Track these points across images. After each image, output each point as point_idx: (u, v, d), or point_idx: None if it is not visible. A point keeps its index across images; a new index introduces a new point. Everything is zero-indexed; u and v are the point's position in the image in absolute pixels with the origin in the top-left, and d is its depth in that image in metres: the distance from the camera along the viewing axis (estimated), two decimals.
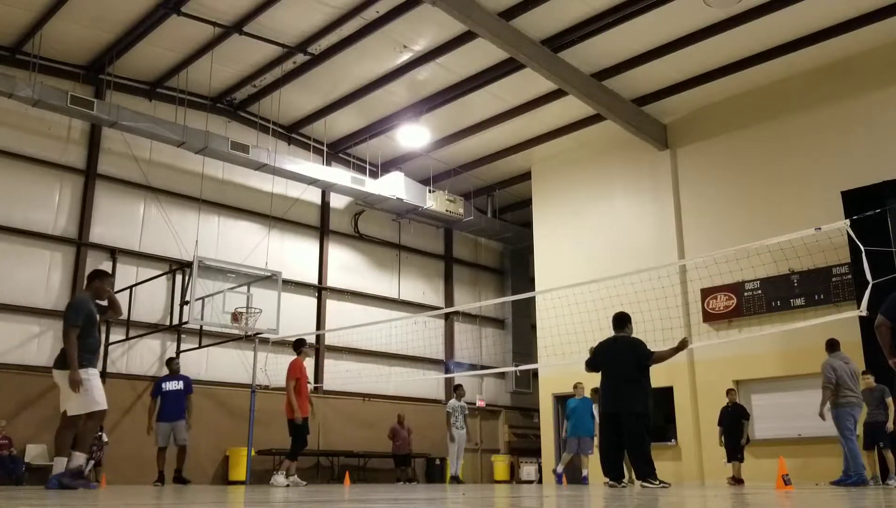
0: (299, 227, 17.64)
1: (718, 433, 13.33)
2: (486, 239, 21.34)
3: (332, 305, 17.80)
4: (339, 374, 17.15)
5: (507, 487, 12.23)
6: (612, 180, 16.93)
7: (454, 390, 15.51)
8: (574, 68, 14.42)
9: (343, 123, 17.24)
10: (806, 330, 10.77)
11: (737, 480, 12.94)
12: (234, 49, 14.42)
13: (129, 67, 14.96)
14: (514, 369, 18.58)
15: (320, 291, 17.71)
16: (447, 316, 19.75)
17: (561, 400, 16.15)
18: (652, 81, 14.99)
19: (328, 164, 17.30)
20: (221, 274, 14.16)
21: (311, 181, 16.58)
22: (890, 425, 10.84)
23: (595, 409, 12.91)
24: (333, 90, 16.02)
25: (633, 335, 8.93)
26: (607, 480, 8.67)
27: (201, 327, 14.25)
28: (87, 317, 7.42)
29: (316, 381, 16.77)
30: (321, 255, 17.93)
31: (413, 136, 17.35)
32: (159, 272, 14.93)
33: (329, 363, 17.40)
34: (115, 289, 14.42)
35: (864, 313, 8.76)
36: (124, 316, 14.32)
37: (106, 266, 14.64)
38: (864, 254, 9.09)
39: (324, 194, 18.12)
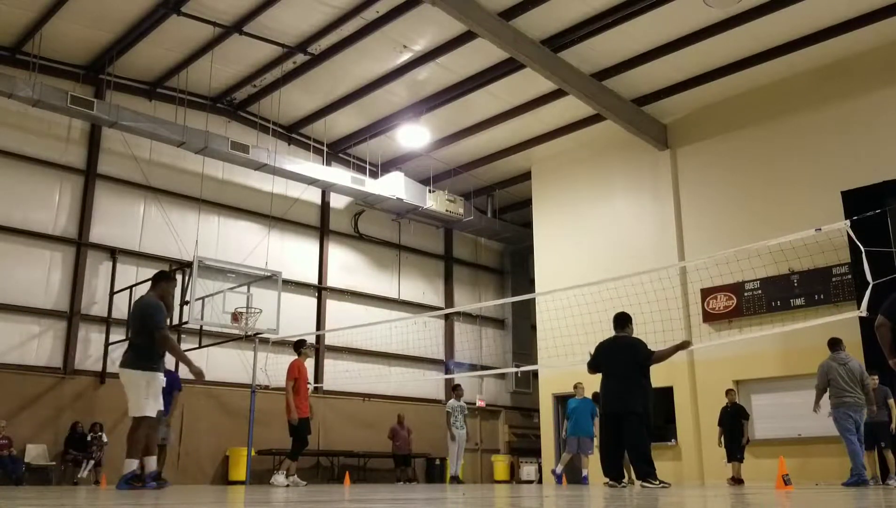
0: (299, 227, 17.65)
1: (718, 434, 13.32)
2: (486, 239, 21.33)
3: (332, 305, 17.80)
4: (339, 374, 17.14)
5: (507, 487, 12.23)
6: (612, 180, 16.93)
7: (453, 390, 15.51)
8: (574, 68, 14.42)
9: (343, 123, 17.24)
10: (806, 330, 10.76)
11: (737, 480, 12.93)
12: (234, 49, 14.42)
13: (129, 66, 14.96)
14: (514, 370, 18.59)
15: (320, 291, 17.71)
16: (447, 316, 19.75)
17: (561, 400, 16.15)
18: (652, 81, 14.99)
19: (328, 164, 17.30)
20: (221, 274, 14.16)
21: (311, 181, 16.58)
22: (894, 426, 10.83)
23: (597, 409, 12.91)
24: (333, 90, 16.02)
25: (634, 335, 8.93)
26: (607, 480, 8.67)
27: (201, 327, 14.24)
28: (164, 319, 7.47)
29: (316, 381, 16.77)
30: (321, 255, 17.93)
31: (413, 136, 17.34)
32: None
33: (329, 363, 17.40)
34: (116, 289, 14.55)
35: (864, 314, 8.76)
36: (124, 316, 14.36)
37: (106, 266, 14.68)
38: (864, 255, 9.09)
39: (324, 194, 18.12)
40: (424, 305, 19.58)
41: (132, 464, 7.13)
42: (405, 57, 14.66)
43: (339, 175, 16.76)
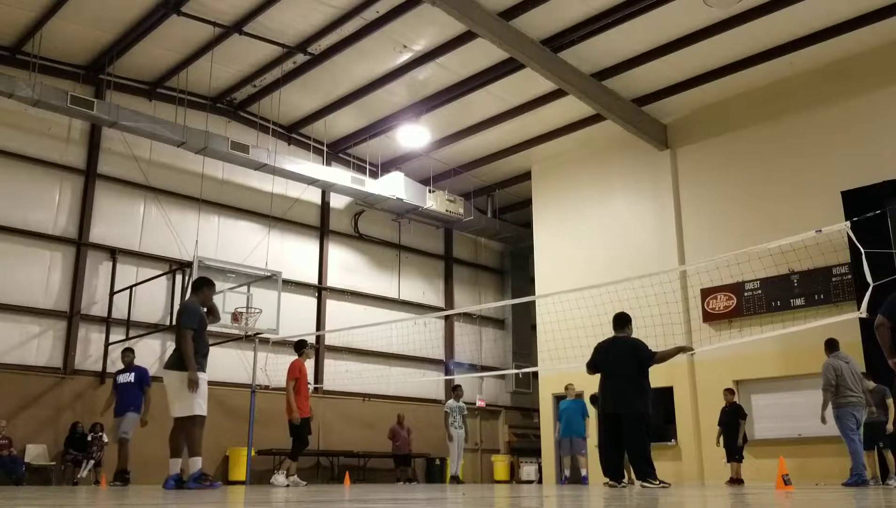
0: (299, 227, 17.65)
1: (717, 434, 13.33)
2: (486, 239, 21.33)
3: (332, 305, 17.80)
4: (340, 374, 17.15)
5: (507, 487, 12.23)
6: (612, 180, 16.93)
7: (452, 390, 15.53)
8: (574, 68, 14.42)
9: (343, 123, 17.24)
10: (806, 330, 10.76)
11: (736, 480, 12.93)
12: (234, 49, 14.42)
13: (129, 67, 14.96)
14: (514, 371, 18.62)
15: (320, 291, 17.71)
16: (447, 316, 19.75)
17: (561, 400, 16.13)
18: (652, 81, 14.99)
19: (328, 164, 17.30)
20: (221, 274, 14.13)
21: (311, 181, 16.58)
22: (890, 426, 10.83)
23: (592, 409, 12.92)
24: (333, 90, 16.02)
25: (634, 335, 8.93)
26: (607, 480, 8.67)
27: None
28: (200, 321, 7.61)
29: (316, 381, 16.76)
30: (321, 255, 17.93)
31: (413, 136, 17.34)
32: (159, 272, 14.94)
33: (329, 363, 17.41)
34: (115, 289, 14.54)
35: (864, 315, 8.75)
36: (124, 316, 14.37)
37: (106, 266, 14.68)
38: (864, 256, 9.09)
39: (324, 194, 18.11)
40: (424, 305, 19.58)
41: (198, 462, 7.38)
42: (405, 57, 14.66)
43: (339, 175, 16.75)
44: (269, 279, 14.42)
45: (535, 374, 18.79)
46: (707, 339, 14.23)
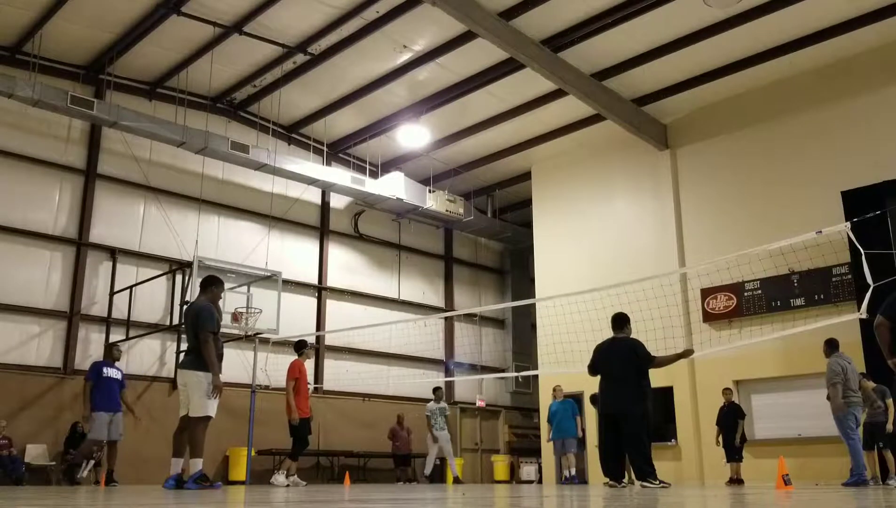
0: (299, 227, 17.64)
1: (716, 433, 13.33)
2: (486, 239, 21.33)
3: (332, 305, 17.80)
4: (339, 374, 17.15)
5: (507, 487, 12.23)
6: (612, 180, 16.93)
7: (433, 392, 15.58)
8: (574, 68, 14.42)
9: (343, 123, 17.24)
10: (806, 330, 10.77)
11: (736, 480, 12.93)
12: (234, 49, 14.42)
13: (129, 66, 14.96)
14: (514, 375, 18.64)
15: (320, 291, 17.71)
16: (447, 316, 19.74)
17: (550, 403, 16.11)
18: (652, 81, 14.99)
19: (328, 164, 17.30)
20: (221, 274, 14.10)
21: (311, 181, 16.57)
22: (889, 426, 10.83)
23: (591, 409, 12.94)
24: (333, 90, 16.01)
25: (633, 335, 8.93)
26: (607, 480, 8.68)
27: None
28: (216, 323, 7.66)
29: (316, 381, 16.77)
30: (321, 255, 17.93)
31: (413, 136, 17.33)
32: (159, 272, 14.94)
33: (329, 363, 17.40)
34: (115, 289, 14.55)
35: (864, 316, 8.75)
36: (124, 316, 14.36)
37: (106, 266, 14.68)
38: (863, 257, 9.09)
39: (324, 194, 18.11)
40: (424, 305, 19.58)
41: (199, 463, 7.40)
42: (405, 57, 14.66)
43: (339, 175, 16.75)
44: (269, 279, 14.42)
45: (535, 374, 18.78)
46: (707, 339, 14.23)
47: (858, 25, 13.02)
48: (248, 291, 14.26)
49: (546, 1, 12.73)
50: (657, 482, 8.22)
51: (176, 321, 14.41)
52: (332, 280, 17.96)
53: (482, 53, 14.32)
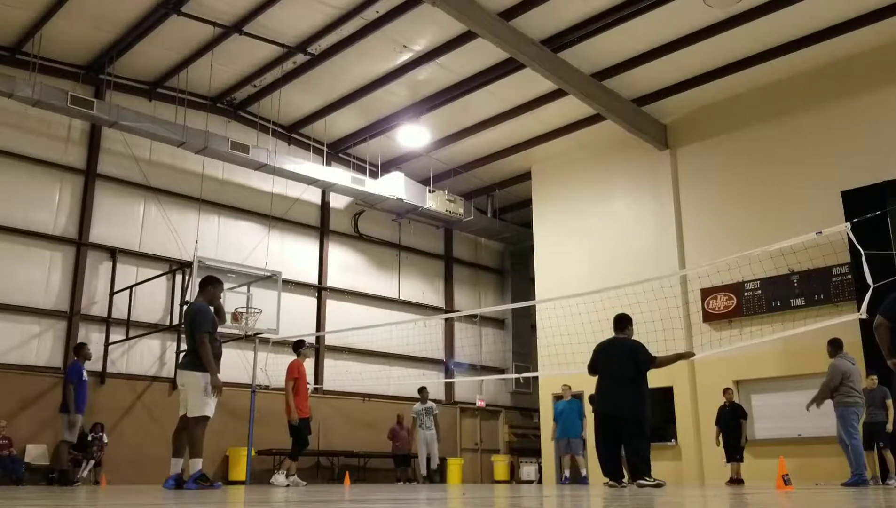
0: (299, 227, 17.64)
1: (716, 433, 13.32)
2: (486, 239, 21.33)
3: (332, 305, 17.79)
4: (339, 374, 17.15)
5: (507, 487, 12.23)
6: (612, 180, 16.93)
7: (419, 392, 15.58)
8: (574, 68, 14.42)
9: (343, 123, 17.24)
10: (807, 330, 10.76)
11: (736, 480, 12.92)
12: (234, 49, 14.42)
13: (129, 66, 14.95)
14: (514, 376, 18.63)
15: (320, 291, 17.71)
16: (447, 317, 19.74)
17: (557, 401, 16.13)
18: (652, 81, 14.99)
19: (328, 164, 17.30)
20: (221, 274, 14.12)
21: (311, 181, 16.57)
22: (889, 426, 10.83)
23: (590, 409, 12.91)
24: (333, 90, 16.01)
25: (634, 336, 8.93)
26: (607, 480, 8.67)
27: None
28: (213, 323, 7.66)
29: (316, 381, 16.77)
30: (321, 255, 17.93)
31: (413, 136, 17.33)
32: (159, 272, 14.93)
33: (329, 363, 17.40)
34: (115, 289, 14.54)
35: (864, 317, 8.75)
36: (124, 316, 14.37)
37: (106, 266, 14.68)
38: (863, 257, 9.09)
39: (324, 194, 18.11)
40: (424, 305, 19.58)
41: (199, 463, 7.41)
42: (405, 57, 14.66)
43: (339, 175, 16.75)
44: (269, 279, 14.42)
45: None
46: (707, 339, 14.24)
47: (858, 25, 13.02)
48: (248, 291, 14.26)
49: (546, 1, 12.73)
50: (652, 480, 8.22)
51: (176, 321, 14.41)
52: (332, 280, 17.96)
53: (482, 53, 14.32)
